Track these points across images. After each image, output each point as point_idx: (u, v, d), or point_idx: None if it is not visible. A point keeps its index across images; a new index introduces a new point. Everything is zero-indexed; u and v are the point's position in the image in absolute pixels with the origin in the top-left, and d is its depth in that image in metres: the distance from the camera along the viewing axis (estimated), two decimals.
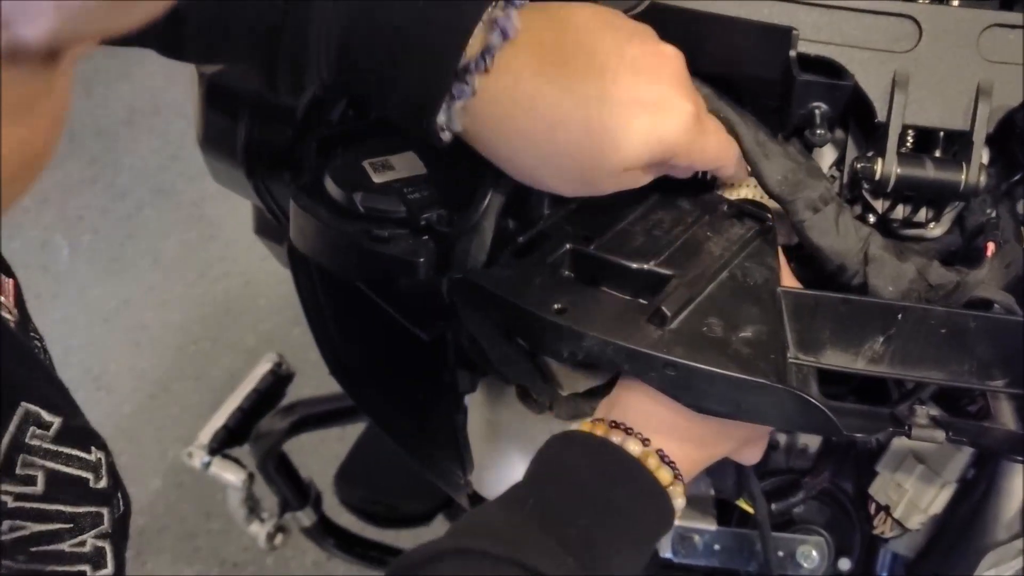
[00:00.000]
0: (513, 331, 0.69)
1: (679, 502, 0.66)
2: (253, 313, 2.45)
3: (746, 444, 0.74)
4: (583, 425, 0.67)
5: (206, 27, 0.68)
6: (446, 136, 0.66)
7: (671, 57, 0.66)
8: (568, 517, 0.61)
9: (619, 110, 0.64)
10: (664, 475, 0.65)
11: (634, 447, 0.65)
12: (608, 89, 0.64)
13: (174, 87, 2.92)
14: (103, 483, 0.57)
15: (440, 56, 0.63)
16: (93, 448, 0.57)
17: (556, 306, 0.65)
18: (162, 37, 0.69)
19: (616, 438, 0.65)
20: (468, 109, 0.65)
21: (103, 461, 0.58)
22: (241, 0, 0.67)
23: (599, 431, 0.66)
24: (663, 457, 0.65)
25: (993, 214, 0.73)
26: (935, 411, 0.72)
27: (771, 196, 0.72)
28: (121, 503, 0.59)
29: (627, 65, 0.64)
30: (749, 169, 0.73)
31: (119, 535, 0.58)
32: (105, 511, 0.57)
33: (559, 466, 0.65)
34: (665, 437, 0.66)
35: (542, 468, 0.66)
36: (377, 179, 0.74)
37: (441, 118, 0.65)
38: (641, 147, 0.65)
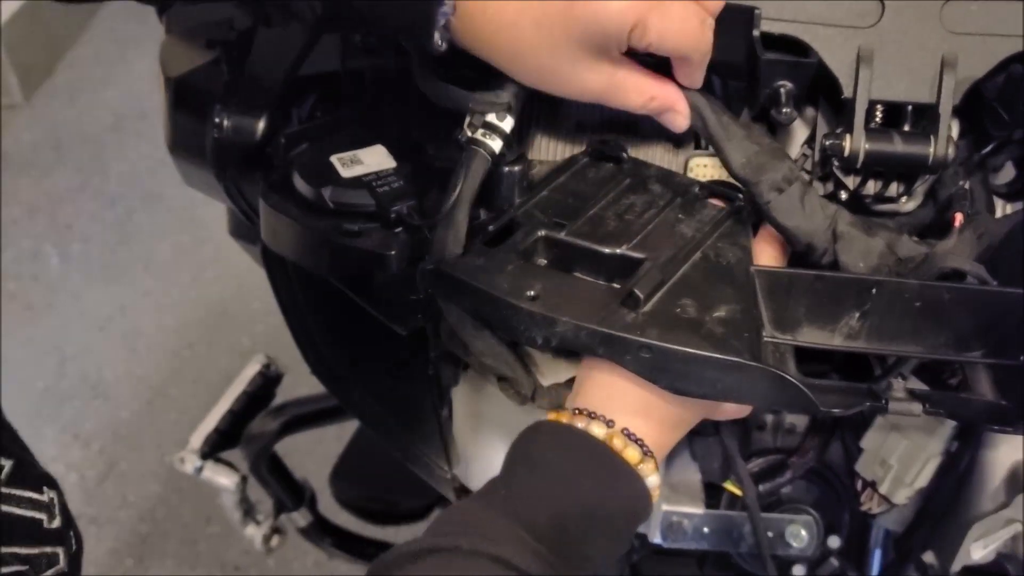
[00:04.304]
0: (487, 320, 0.69)
1: (652, 480, 0.65)
2: (248, 315, 2.44)
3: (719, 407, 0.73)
4: (549, 415, 0.67)
5: None
6: (448, 8, 0.65)
7: None
8: (538, 507, 0.62)
9: None
10: (632, 454, 0.64)
11: (598, 430, 0.65)
12: None
13: (160, 91, 2.91)
14: (56, 522, 0.57)
15: None
16: (45, 488, 0.57)
17: (529, 293, 0.65)
18: None
19: (580, 423, 0.65)
20: None
21: (55, 501, 0.58)
22: None
23: (564, 419, 0.66)
24: (629, 436, 0.65)
25: (965, 185, 0.73)
26: (914, 385, 0.72)
27: (735, 179, 0.72)
28: (74, 542, 0.59)
29: None
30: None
31: (73, 572, 0.58)
32: (60, 550, 0.57)
33: (528, 457, 0.65)
34: (631, 413, 0.66)
35: (513, 461, 0.66)
36: (346, 173, 0.74)
37: None
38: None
